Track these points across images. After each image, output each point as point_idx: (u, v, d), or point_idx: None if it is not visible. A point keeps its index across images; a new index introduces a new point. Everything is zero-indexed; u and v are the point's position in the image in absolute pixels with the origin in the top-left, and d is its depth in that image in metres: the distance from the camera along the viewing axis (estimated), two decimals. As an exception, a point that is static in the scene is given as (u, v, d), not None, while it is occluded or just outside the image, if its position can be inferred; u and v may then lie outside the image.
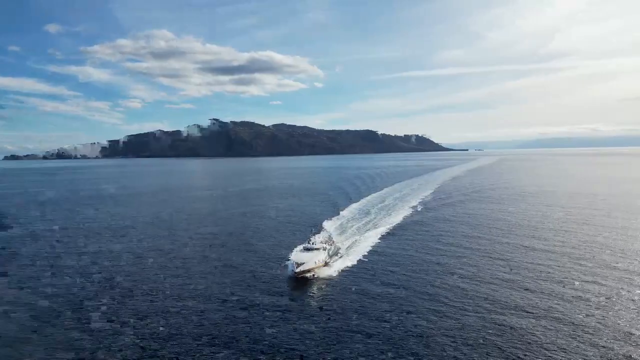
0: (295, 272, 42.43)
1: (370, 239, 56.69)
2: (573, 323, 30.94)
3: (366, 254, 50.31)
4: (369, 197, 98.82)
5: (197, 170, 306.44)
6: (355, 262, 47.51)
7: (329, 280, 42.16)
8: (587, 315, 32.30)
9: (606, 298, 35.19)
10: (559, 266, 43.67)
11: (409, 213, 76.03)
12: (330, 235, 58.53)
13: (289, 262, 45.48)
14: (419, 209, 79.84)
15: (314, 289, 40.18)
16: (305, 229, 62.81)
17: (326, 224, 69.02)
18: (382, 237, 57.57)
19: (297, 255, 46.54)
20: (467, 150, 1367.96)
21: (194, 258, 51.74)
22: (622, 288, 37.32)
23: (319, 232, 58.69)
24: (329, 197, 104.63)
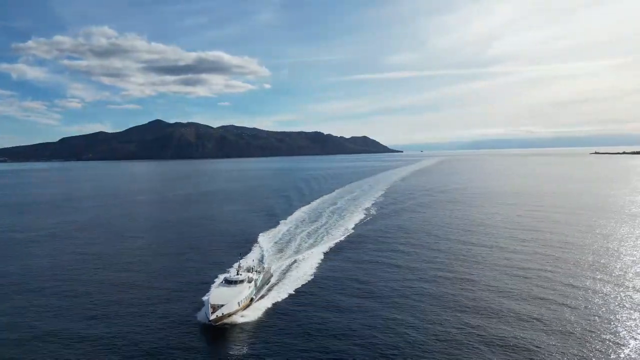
0: (211, 320, 30.90)
1: (310, 260, 45.52)
2: (534, 318, 29.37)
3: (307, 278, 40.51)
4: (313, 204, 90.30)
5: (136, 174, 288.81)
6: (292, 291, 37.81)
7: (254, 325, 31.37)
8: (546, 310, 30.77)
9: (564, 295, 32.81)
10: (516, 264, 41.32)
11: (357, 220, 69.36)
12: (261, 259, 48.16)
13: (205, 300, 34.44)
14: (368, 216, 73.62)
15: (237, 338, 29.63)
16: (240, 244, 52.80)
17: (262, 239, 57.11)
18: (326, 255, 47.28)
19: (215, 293, 34.99)
20: (402, 152, 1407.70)
21: (91, 292, 37.69)
22: (583, 286, 35.10)
23: (247, 254, 48.23)
24: (272, 203, 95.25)
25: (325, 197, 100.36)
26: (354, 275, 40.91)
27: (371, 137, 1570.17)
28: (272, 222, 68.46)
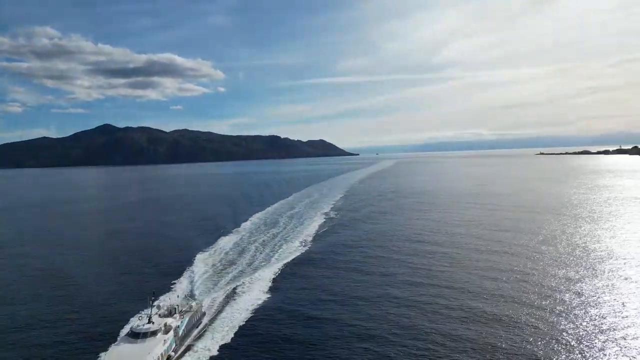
0: None
1: (260, 283, 35.59)
2: (502, 319, 25.97)
3: (255, 309, 30.56)
4: (269, 209, 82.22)
5: (79, 181, 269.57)
6: (233, 334, 28.23)
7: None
8: (516, 309, 26.67)
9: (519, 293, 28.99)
10: (479, 264, 37.21)
11: (316, 226, 62.91)
12: (190, 292, 36.31)
13: None
14: (328, 221, 67.76)
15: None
16: (168, 269, 41.99)
17: (200, 258, 45.57)
18: (281, 273, 38.78)
19: (111, 356, 24.76)
20: (358, 155, 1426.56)
21: None
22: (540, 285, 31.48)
23: (175, 283, 37.67)
24: (221, 211, 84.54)
25: (282, 202, 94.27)
26: (313, 296, 34.01)
27: (328, 140, 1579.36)
28: (216, 234, 58.36)
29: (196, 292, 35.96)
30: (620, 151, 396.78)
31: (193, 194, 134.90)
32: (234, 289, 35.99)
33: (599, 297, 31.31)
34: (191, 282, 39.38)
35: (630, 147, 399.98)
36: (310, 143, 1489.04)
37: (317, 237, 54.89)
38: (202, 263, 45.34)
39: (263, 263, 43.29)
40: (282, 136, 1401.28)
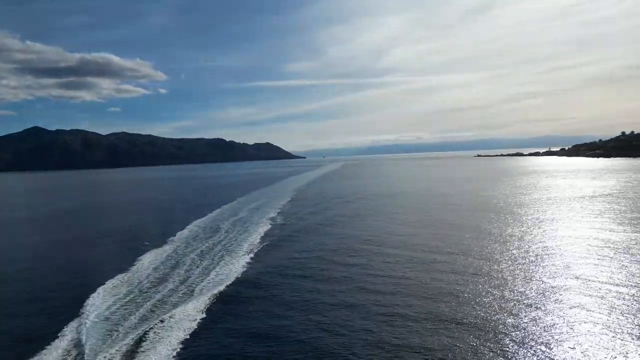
0: None
1: (182, 324, 26.41)
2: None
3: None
4: (210, 216, 75.38)
5: None
6: None
7: None
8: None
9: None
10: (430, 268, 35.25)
11: (262, 233, 58.09)
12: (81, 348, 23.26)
13: None
14: (275, 227, 66.18)
15: None
16: (60, 306, 30.72)
17: (108, 287, 34.33)
18: (216, 300, 31.04)
19: None
20: (305, 158, 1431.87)
21: None
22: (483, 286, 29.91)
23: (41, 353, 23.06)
24: (152, 220, 75.75)
25: (226, 207, 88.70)
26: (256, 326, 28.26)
27: (274, 143, 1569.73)
28: (143, 249, 47.95)
29: (86, 348, 23.25)
30: (549, 153, 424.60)
31: (126, 200, 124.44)
32: (146, 334, 24.64)
33: (544, 295, 29.74)
34: (82, 330, 25.77)
35: (558, 149, 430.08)
36: (257, 146, 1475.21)
37: (262, 244, 50.47)
38: (111, 293, 32.92)
39: (196, 284, 35.24)
40: (228, 139, 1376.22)
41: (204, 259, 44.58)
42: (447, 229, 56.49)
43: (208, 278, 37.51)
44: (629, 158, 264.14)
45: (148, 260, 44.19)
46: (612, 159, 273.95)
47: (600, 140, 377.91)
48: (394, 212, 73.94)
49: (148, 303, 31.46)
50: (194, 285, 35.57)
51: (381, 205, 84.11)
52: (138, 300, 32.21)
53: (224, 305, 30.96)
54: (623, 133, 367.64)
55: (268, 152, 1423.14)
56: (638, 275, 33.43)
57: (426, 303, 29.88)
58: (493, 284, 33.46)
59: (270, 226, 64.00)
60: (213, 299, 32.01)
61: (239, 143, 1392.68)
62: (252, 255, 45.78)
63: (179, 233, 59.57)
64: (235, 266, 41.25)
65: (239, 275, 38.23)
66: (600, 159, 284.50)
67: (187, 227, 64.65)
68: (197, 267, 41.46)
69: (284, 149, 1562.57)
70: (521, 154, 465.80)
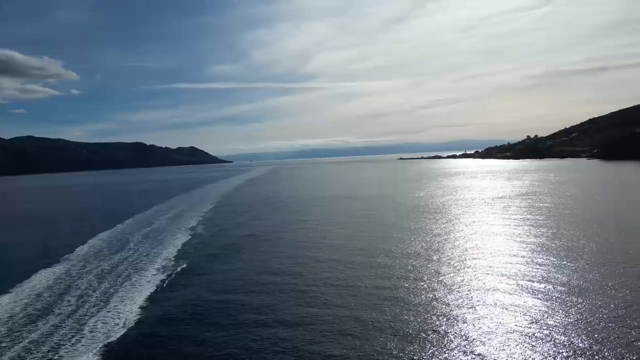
0: None
1: None
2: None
3: None
4: (118, 228, 67.24)
5: None
6: None
7: None
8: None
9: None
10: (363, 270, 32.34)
11: (178, 245, 51.96)
12: None
13: None
14: (194, 237, 60.23)
15: None
16: None
17: None
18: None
19: None
20: (232, 162, 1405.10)
21: None
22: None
23: None
24: (50, 233, 65.95)
25: (139, 216, 79.98)
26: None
27: (200, 147, 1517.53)
28: (16, 277, 38.39)
29: None
30: (465, 155, 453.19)
31: (22, 211, 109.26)
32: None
33: (472, 295, 28.47)
34: None
35: (472, 151, 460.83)
36: (180, 150, 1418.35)
37: (179, 258, 44.46)
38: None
39: (89, 316, 28.40)
40: (149, 143, 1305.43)
41: (103, 281, 37.63)
42: (379, 231, 54.24)
43: (107, 308, 31.08)
44: (534, 159, 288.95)
45: (30, 286, 36.27)
46: (520, 160, 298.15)
47: (509, 143, 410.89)
48: (321, 217, 70.90)
49: (17, 346, 24.67)
50: (86, 318, 29.03)
51: (309, 210, 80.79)
52: (4, 345, 25.22)
53: (127, 349, 25.10)
54: (528, 137, 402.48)
55: (193, 156, 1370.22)
56: (555, 271, 32.95)
57: (348, 306, 26.52)
58: (422, 282, 31.06)
59: (189, 236, 57.76)
60: (110, 338, 25.93)
61: (160, 147, 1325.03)
62: (166, 272, 39.72)
63: (78, 249, 51.19)
64: (144, 289, 35.08)
65: (147, 303, 32.19)
66: (511, 160, 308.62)
67: (89, 241, 56.23)
68: (94, 292, 34.61)
69: (209, 153, 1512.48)
70: (440, 157, 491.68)
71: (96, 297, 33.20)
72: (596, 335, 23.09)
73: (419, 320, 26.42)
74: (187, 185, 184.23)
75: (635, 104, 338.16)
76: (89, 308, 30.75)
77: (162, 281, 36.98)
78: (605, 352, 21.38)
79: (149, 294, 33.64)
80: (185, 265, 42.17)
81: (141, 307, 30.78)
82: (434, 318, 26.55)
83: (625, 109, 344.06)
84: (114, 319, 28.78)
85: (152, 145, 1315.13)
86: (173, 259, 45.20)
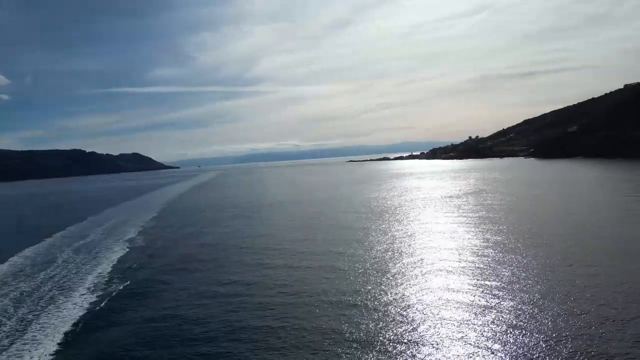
0: None
1: None
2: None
3: None
4: (44, 243, 62.13)
5: None
6: None
7: None
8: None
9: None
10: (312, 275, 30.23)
11: (114, 260, 48.50)
12: None
13: None
14: (132, 250, 55.61)
15: None
16: None
17: None
18: None
19: None
20: (179, 168, 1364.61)
21: None
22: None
23: None
24: None
25: (72, 229, 73.00)
26: None
27: (144, 154, 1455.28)
28: None
29: None
30: (411, 157, 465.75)
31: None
32: None
33: (416, 298, 27.53)
34: None
35: (418, 153, 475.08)
36: (123, 157, 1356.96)
37: (115, 275, 40.07)
38: None
39: (3, 349, 24.80)
40: (88, 150, 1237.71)
41: (20, 305, 32.77)
42: (334, 235, 52.24)
43: (22, 339, 26.64)
44: (477, 159, 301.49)
45: None
46: (464, 160, 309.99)
47: (452, 144, 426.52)
48: (273, 222, 68.10)
49: None
50: (-7, 352, 24.56)
51: (260, 215, 77.65)
52: None
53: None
54: (470, 138, 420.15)
55: (136, 163, 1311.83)
56: (508, 266, 32.47)
57: (307, 314, 24.18)
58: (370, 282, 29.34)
59: (127, 250, 52.92)
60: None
61: (101, 154, 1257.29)
62: (97, 292, 35.35)
63: (-5, 269, 45.11)
64: (70, 313, 30.74)
65: (73, 329, 28.04)
66: (455, 160, 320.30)
67: (10, 259, 49.95)
68: (8, 320, 29.89)
69: (155, 159, 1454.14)
70: (388, 158, 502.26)
71: (10, 326, 28.54)
72: (544, 330, 22.43)
73: (379, 325, 24.64)
74: (128, 193, 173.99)
75: (566, 106, 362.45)
76: (0, 340, 26.19)
77: (94, 303, 32.71)
78: (555, 346, 20.56)
79: (76, 318, 29.43)
80: (121, 283, 37.93)
81: (65, 335, 26.67)
82: (395, 323, 24.90)
83: (558, 109, 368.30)
84: (30, 351, 24.59)
85: (93, 152, 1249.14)
86: (107, 275, 40.72)
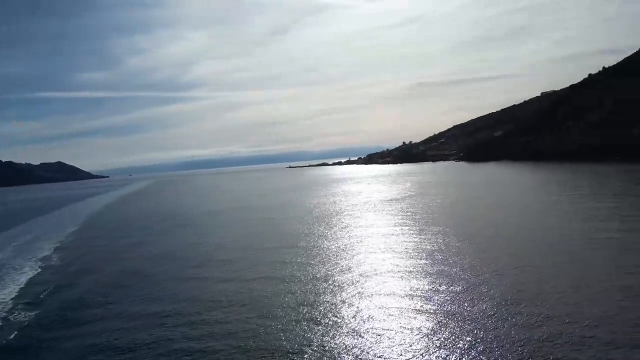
0: None
1: None
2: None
3: None
4: None
5: None
6: None
7: None
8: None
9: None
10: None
11: (23, 282, 43.58)
12: None
13: None
14: (47, 269, 49.58)
15: None
16: None
17: None
18: None
19: None
20: (108, 177, 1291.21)
21: None
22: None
23: None
24: None
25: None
26: None
27: (69, 163, 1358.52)
28: None
29: None
30: (349, 162, 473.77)
31: None
32: None
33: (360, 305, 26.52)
34: None
35: (356, 158, 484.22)
36: (45, 167, 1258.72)
37: (23, 299, 34.76)
38: None
39: None
40: (4, 160, 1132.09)
41: None
42: (278, 241, 49.87)
43: None
44: (411, 163, 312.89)
45: None
46: (399, 164, 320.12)
47: (387, 149, 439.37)
48: (214, 231, 64.39)
49: None
50: None
51: (198, 225, 73.38)
52: None
53: None
54: (404, 143, 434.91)
55: (61, 172, 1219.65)
56: (452, 267, 32.19)
57: (256, 328, 21.79)
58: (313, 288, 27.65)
59: (39, 270, 46.94)
60: None
61: (19, 164, 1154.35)
62: (6, 320, 30.20)
63: None
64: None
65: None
66: (390, 165, 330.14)
67: None
68: None
69: (81, 168, 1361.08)
70: (327, 164, 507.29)
71: None
72: (483, 330, 21.83)
73: (325, 337, 22.65)
74: (45, 206, 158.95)
75: (492, 111, 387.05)
76: None
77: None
78: (493, 346, 19.91)
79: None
80: (31, 309, 32.93)
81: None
82: (336, 331, 23.30)
83: (485, 115, 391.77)
84: None
85: (10, 162, 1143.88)
86: (11, 302, 35.33)
